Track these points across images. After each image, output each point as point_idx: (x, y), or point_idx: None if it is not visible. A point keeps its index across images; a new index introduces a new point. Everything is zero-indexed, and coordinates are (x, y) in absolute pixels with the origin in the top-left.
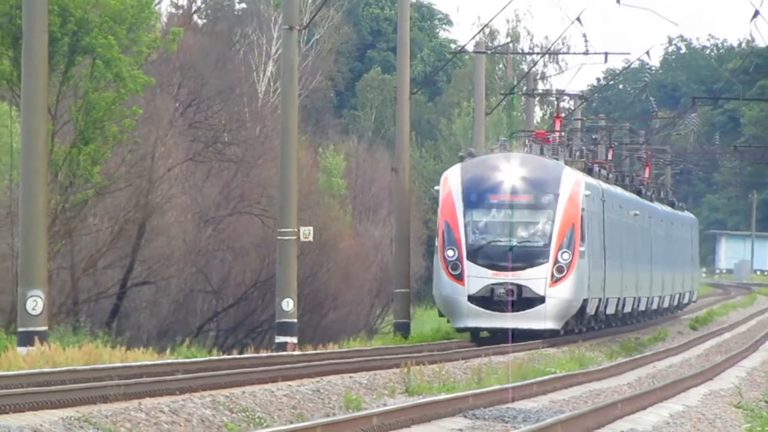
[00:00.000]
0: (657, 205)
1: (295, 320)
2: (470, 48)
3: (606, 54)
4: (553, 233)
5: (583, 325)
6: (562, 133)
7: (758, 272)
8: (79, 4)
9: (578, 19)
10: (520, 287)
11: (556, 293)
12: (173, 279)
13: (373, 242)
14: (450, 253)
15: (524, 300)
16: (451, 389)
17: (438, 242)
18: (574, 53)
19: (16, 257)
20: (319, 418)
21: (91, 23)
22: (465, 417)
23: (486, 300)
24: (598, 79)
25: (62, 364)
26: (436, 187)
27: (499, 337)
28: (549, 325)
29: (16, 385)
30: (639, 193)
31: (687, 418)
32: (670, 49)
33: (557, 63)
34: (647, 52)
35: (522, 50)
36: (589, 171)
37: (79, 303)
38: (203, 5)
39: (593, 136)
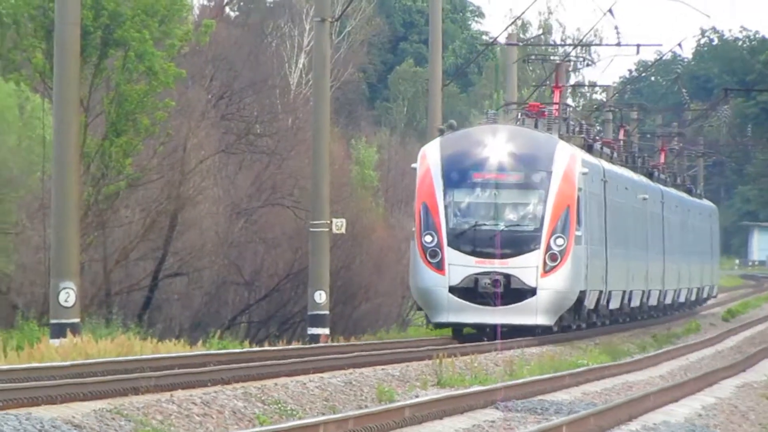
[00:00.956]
0: (671, 190)
1: (328, 312)
2: (502, 40)
3: (638, 46)
4: (546, 216)
5: (581, 320)
6: (562, 106)
7: None
8: None
9: (610, 10)
10: (508, 277)
11: (548, 284)
12: (205, 271)
13: (405, 234)
14: (428, 238)
15: (513, 292)
16: (484, 381)
17: (415, 227)
18: (606, 45)
19: (48, 249)
20: (351, 410)
21: (123, 16)
22: (497, 409)
23: (469, 292)
24: (630, 71)
25: (94, 356)
26: (413, 165)
27: (485, 333)
28: (540, 320)
29: (48, 377)
30: (651, 176)
31: (719, 410)
32: (703, 40)
33: (589, 55)
34: (679, 44)
35: (554, 42)
36: (589, 148)
37: (111, 295)
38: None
39: (603, 118)
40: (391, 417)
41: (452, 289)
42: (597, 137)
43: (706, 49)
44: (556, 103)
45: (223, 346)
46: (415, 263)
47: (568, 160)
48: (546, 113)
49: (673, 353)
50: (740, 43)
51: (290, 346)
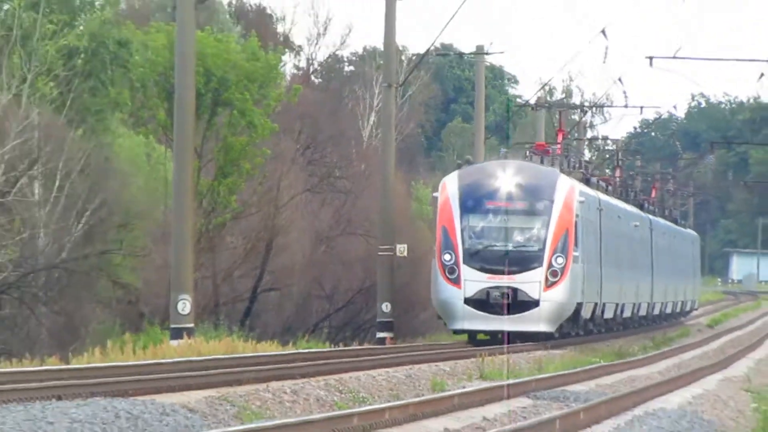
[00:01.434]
0: (659, 219)
1: (392, 319)
2: (533, 101)
3: (641, 107)
4: (548, 238)
5: (579, 328)
6: (564, 145)
7: (763, 282)
8: (220, 66)
9: (620, 79)
10: (515, 290)
11: (550, 296)
12: (294, 286)
13: None
14: (447, 257)
15: (519, 303)
16: (517, 375)
17: (436, 246)
18: (615, 106)
19: (169, 268)
20: (410, 398)
21: (229, 81)
22: (528, 397)
23: (482, 303)
24: (635, 128)
25: (205, 354)
26: (434, 194)
27: (497, 339)
28: (543, 327)
29: (169, 371)
30: (641, 207)
31: (705, 399)
32: (693, 103)
33: (602, 114)
34: (674, 106)
35: (573, 103)
36: (586, 181)
37: (219, 305)
38: (319, 67)
39: (606, 156)
40: (443, 404)
41: (467, 301)
42: (594, 173)
43: (695, 110)
44: (559, 143)
45: (309, 346)
46: (436, 278)
47: (567, 190)
48: (550, 151)
49: (668, 354)
50: (723, 105)
51: (362, 347)
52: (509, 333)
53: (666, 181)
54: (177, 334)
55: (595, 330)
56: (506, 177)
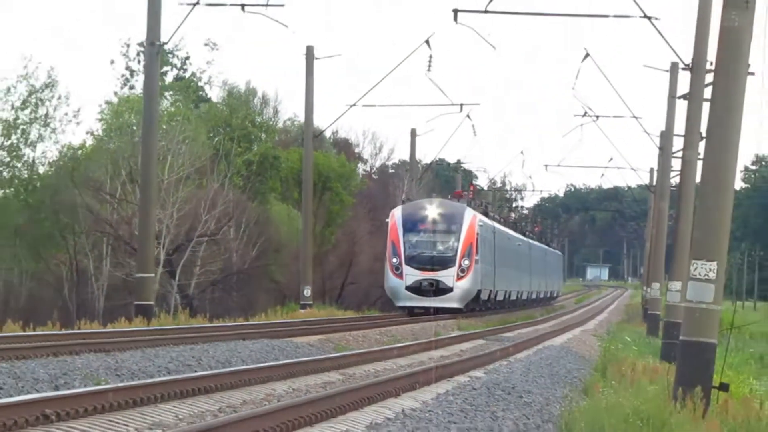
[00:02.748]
0: (535, 242)
1: (312, 302)
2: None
3: (541, 191)
4: (458, 248)
5: (478, 305)
6: (473, 195)
7: (602, 281)
8: (326, 169)
9: (530, 176)
10: (438, 281)
11: (460, 285)
12: (362, 283)
13: None
14: (395, 260)
15: (440, 289)
16: (475, 328)
17: (387, 254)
18: (528, 190)
19: (299, 272)
20: (423, 339)
21: (331, 176)
22: (483, 339)
23: (417, 289)
24: (540, 200)
25: (318, 316)
26: (387, 220)
27: (427, 312)
28: (455, 305)
29: (299, 325)
30: (524, 234)
31: (574, 340)
32: (567, 189)
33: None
34: (557, 191)
35: (500, 188)
36: (485, 215)
37: (326, 291)
38: (376, 170)
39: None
40: (440, 342)
41: (407, 288)
42: (492, 213)
43: (570, 191)
44: (471, 192)
45: (370, 313)
46: (387, 274)
47: (471, 217)
48: (463, 195)
49: (554, 317)
50: (582, 189)
51: (393, 314)
52: (435, 308)
53: (545, 224)
54: (303, 306)
55: (492, 307)
56: (432, 209)
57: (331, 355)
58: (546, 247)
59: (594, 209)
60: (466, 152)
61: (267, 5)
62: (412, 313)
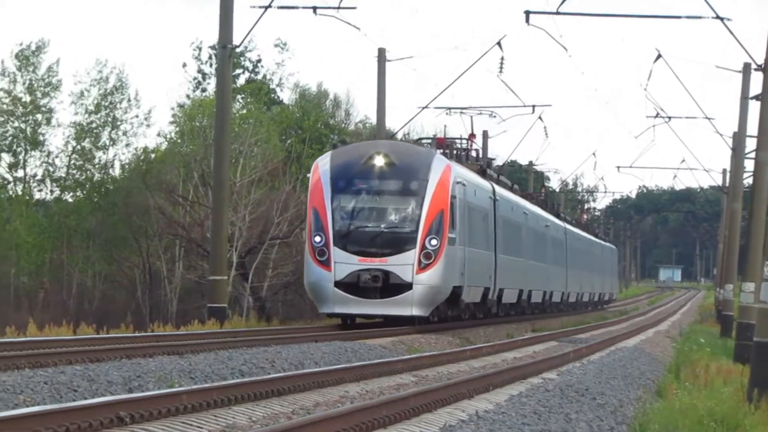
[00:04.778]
0: (575, 229)
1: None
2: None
3: (613, 192)
4: (421, 218)
5: (459, 311)
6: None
7: (675, 282)
8: None
9: (602, 178)
10: (387, 273)
11: (423, 280)
12: None
13: None
14: (317, 239)
15: (391, 286)
16: (547, 330)
17: (307, 229)
18: (600, 192)
19: None
20: (496, 341)
21: None
22: (556, 341)
23: (352, 286)
24: (612, 201)
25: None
26: (308, 175)
27: (373, 323)
28: (416, 311)
29: (369, 327)
30: (558, 216)
31: (647, 341)
32: (640, 190)
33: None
34: (630, 192)
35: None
36: (482, 173)
37: None
38: None
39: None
40: (513, 345)
41: (337, 284)
42: (499, 173)
43: (642, 192)
44: (468, 140)
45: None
46: (307, 261)
47: (442, 170)
48: (446, 143)
49: (625, 319)
50: (655, 190)
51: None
52: (382, 317)
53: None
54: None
55: (499, 313)
56: (380, 157)
57: (403, 357)
58: (593, 237)
59: (666, 211)
60: (538, 154)
61: (339, 8)
62: (350, 325)
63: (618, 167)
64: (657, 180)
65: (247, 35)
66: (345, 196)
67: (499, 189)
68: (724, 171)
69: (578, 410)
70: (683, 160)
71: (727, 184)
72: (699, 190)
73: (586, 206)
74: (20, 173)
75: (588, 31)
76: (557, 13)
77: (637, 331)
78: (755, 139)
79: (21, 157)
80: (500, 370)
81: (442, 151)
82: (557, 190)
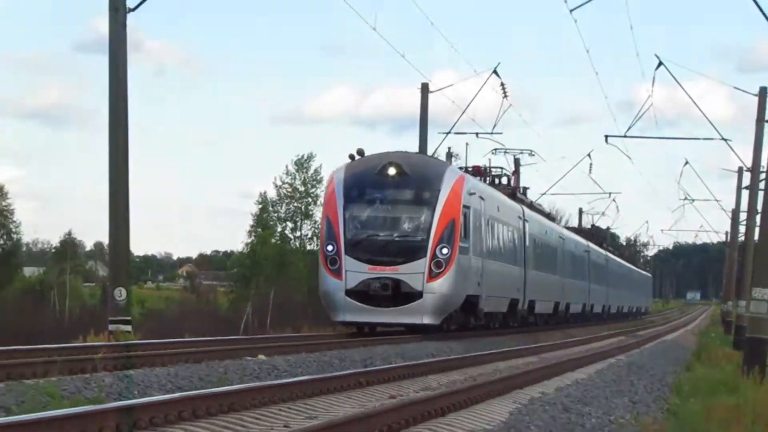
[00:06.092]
0: (618, 259)
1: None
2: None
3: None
4: (432, 227)
5: (478, 321)
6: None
7: (699, 300)
8: None
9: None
10: (397, 282)
11: (433, 288)
12: None
13: None
14: (329, 247)
15: (402, 295)
16: (618, 328)
17: (321, 238)
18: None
19: None
20: (560, 340)
21: None
22: (623, 336)
23: (363, 294)
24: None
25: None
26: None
27: (387, 330)
28: (427, 320)
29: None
30: (601, 245)
31: (680, 336)
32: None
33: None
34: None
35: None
36: (511, 195)
37: None
38: None
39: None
40: (595, 339)
41: (348, 292)
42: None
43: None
44: (489, 167)
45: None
46: (320, 270)
47: (455, 180)
48: (483, 172)
49: (662, 324)
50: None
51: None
52: (394, 325)
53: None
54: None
55: (536, 322)
56: (392, 167)
57: (531, 346)
58: (632, 266)
59: (692, 257)
60: (613, 219)
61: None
62: (362, 330)
63: (662, 230)
64: (685, 236)
65: None
66: (357, 205)
67: (529, 212)
68: (726, 233)
69: (639, 378)
70: (701, 226)
71: (728, 240)
72: (711, 243)
73: (641, 253)
74: (298, 233)
75: (641, 143)
76: (624, 136)
77: (673, 330)
78: (745, 213)
79: (298, 224)
80: (592, 354)
81: (479, 178)
82: (623, 243)
